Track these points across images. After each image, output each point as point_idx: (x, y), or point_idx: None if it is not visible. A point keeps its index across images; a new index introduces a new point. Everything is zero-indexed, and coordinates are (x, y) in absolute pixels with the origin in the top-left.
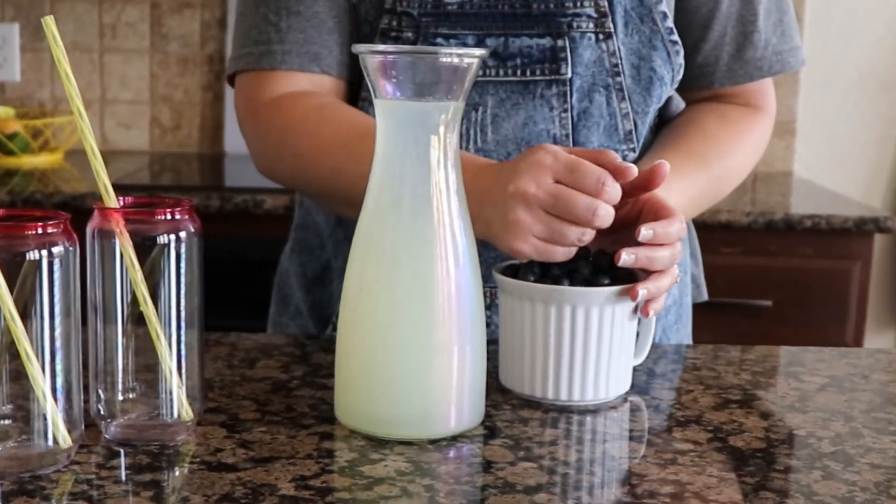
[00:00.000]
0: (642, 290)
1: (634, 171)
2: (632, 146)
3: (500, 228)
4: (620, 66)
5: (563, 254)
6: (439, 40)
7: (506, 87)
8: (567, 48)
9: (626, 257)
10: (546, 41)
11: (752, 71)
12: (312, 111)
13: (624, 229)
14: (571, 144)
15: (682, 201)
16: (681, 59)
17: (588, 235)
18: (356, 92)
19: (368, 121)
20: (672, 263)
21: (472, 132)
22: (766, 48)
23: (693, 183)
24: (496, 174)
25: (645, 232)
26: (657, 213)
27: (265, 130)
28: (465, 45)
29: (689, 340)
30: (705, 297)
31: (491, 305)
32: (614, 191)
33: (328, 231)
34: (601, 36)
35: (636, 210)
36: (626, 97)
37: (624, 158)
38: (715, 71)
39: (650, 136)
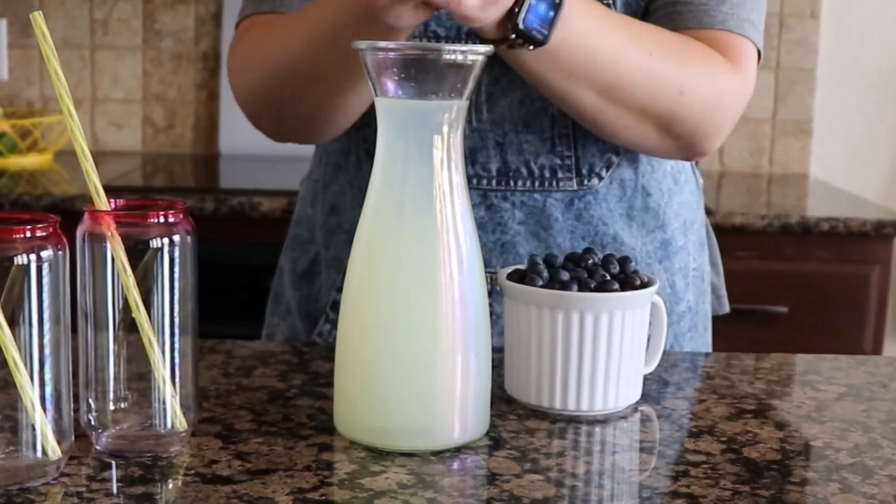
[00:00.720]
0: None
1: None
2: None
3: None
4: None
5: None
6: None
7: (500, 62)
8: None
9: None
10: None
11: (725, 18)
12: (280, 18)
13: None
14: (570, 122)
15: (591, 27)
16: None
17: None
18: None
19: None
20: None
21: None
22: (740, 7)
23: (619, 23)
24: None
25: None
26: None
27: (236, 49)
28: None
29: (707, 350)
30: (727, 309)
31: (492, 292)
32: None
33: (321, 220)
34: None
35: None
36: None
37: None
38: (684, 13)
39: None
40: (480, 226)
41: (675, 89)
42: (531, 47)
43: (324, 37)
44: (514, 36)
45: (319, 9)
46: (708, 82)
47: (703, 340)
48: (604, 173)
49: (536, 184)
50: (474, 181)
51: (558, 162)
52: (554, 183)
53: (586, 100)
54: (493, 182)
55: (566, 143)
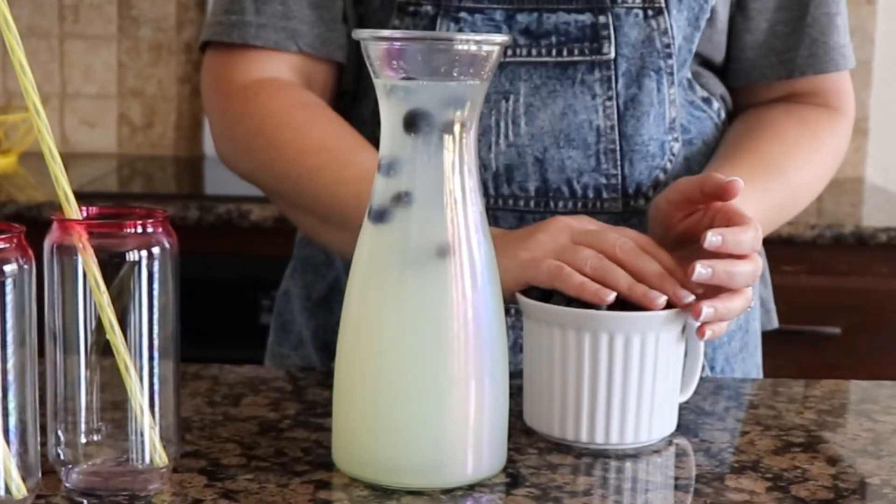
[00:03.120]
0: (707, 308)
1: (740, 185)
2: (675, 136)
3: (516, 247)
4: (673, 46)
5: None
6: (463, 14)
7: (540, 70)
8: (610, 25)
9: (702, 270)
10: (586, 17)
11: (838, 58)
12: (298, 106)
13: (692, 243)
14: (617, 136)
15: (756, 215)
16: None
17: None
18: (341, 80)
19: (362, 138)
20: (752, 282)
21: (502, 124)
22: (846, 35)
23: (769, 195)
24: (505, 241)
25: (712, 238)
26: (730, 221)
27: (237, 116)
28: (492, 20)
29: (757, 372)
30: (775, 324)
31: (514, 325)
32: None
33: None
34: (650, 12)
35: (707, 220)
36: (676, 82)
37: (670, 150)
38: (795, 57)
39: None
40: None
41: (818, 189)
42: None
43: (349, 217)
44: None
45: (361, 181)
46: (835, 157)
47: (754, 361)
48: (651, 193)
49: (579, 205)
50: (510, 202)
51: (603, 181)
52: (598, 204)
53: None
54: (532, 203)
55: (612, 160)
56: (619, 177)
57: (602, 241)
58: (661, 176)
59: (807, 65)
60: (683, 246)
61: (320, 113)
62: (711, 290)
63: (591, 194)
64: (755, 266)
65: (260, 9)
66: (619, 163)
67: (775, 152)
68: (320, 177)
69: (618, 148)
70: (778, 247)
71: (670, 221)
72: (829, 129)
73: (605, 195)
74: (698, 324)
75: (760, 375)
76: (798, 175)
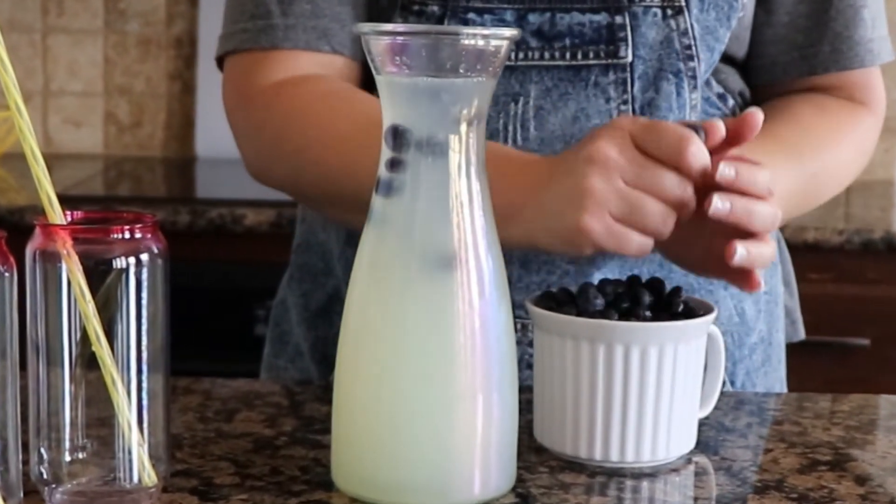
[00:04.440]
0: (741, 248)
1: (722, 129)
2: None
3: (565, 203)
4: (694, 48)
5: (637, 245)
6: (471, 16)
7: (552, 73)
8: (627, 26)
9: (720, 203)
10: (601, 17)
11: (863, 54)
12: (320, 97)
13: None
14: None
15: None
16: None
17: (671, 221)
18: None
19: None
20: (773, 227)
21: (510, 128)
22: (875, 28)
23: (784, 176)
24: (554, 163)
25: (725, 169)
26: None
27: (261, 122)
28: (501, 21)
29: (780, 388)
30: (802, 335)
31: (522, 339)
32: (701, 152)
33: (338, 250)
34: (669, 11)
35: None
36: (698, 86)
37: None
38: (817, 53)
39: None
40: (524, 264)
41: (839, 181)
42: None
43: None
44: None
45: None
46: (859, 149)
47: (777, 376)
48: None
49: None
50: None
51: None
52: None
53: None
54: None
55: None
56: None
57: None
58: None
59: (830, 60)
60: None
61: (343, 100)
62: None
63: None
64: (774, 210)
65: (286, 10)
66: None
67: (791, 134)
68: (356, 174)
69: None
70: (803, 253)
71: None
72: (852, 119)
73: None
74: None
75: (784, 391)
76: (817, 159)
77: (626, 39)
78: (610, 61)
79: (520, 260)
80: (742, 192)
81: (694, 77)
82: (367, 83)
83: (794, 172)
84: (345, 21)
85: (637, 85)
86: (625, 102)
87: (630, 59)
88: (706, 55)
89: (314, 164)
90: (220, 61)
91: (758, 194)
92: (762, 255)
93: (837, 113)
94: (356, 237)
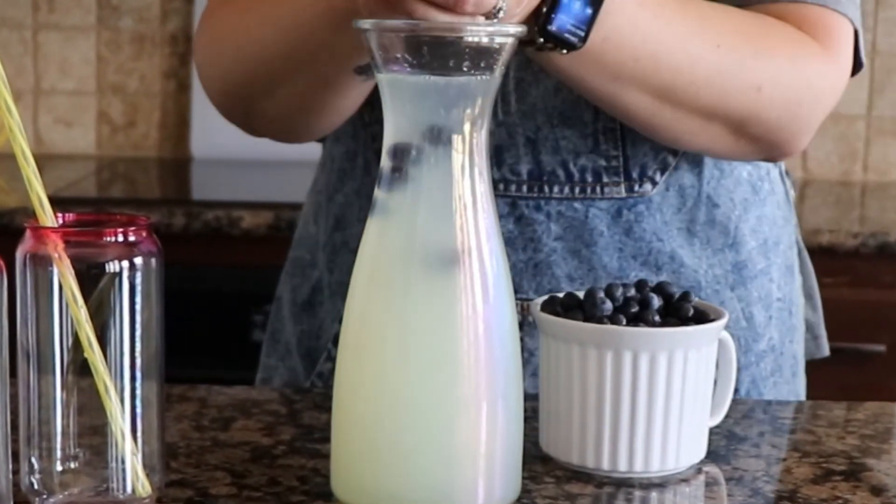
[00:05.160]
0: None
1: None
2: None
3: None
4: None
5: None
6: None
7: None
8: None
9: None
10: None
11: None
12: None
13: None
14: None
15: (641, 19)
16: None
17: None
18: None
19: None
20: None
21: None
22: None
23: (672, 15)
24: None
25: None
26: None
27: (202, 41)
28: None
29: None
30: (825, 352)
31: (523, 324)
32: None
33: (324, 238)
34: None
35: None
36: None
37: None
38: None
39: None
40: (509, 242)
41: (751, 86)
42: (564, 51)
43: (297, 28)
44: (542, 40)
45: None
46: (794, 73)
47: (790, 388)
48: (658, 177)
49: (576, 190)
50: (501, 187)
51: (603, 163)
52: (598, 189)
53: (639, 104)
54: (524, 188)
55: (612, 140)
56: (621, 158)
57: None
58: (670, 159)
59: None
60: None
61: None
62: None
63: (589, 178)
64: None
65: None
66: (619, 143)
67: (719, 13)
68: (263, 21)
69: (618, 126)
70: (816, 256)
71: None
72: (795, 37)
73: (605, 178)
74: None
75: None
76: (718, 49)
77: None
78: None
79: (505, 239)
80: None
81: None
82: None
83: (684, 20)
84: None
85: None
86: None
87: None
88: None
89: (250, 53)
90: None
91: None
92: None
93: (776, 24)
94: (344, 222)
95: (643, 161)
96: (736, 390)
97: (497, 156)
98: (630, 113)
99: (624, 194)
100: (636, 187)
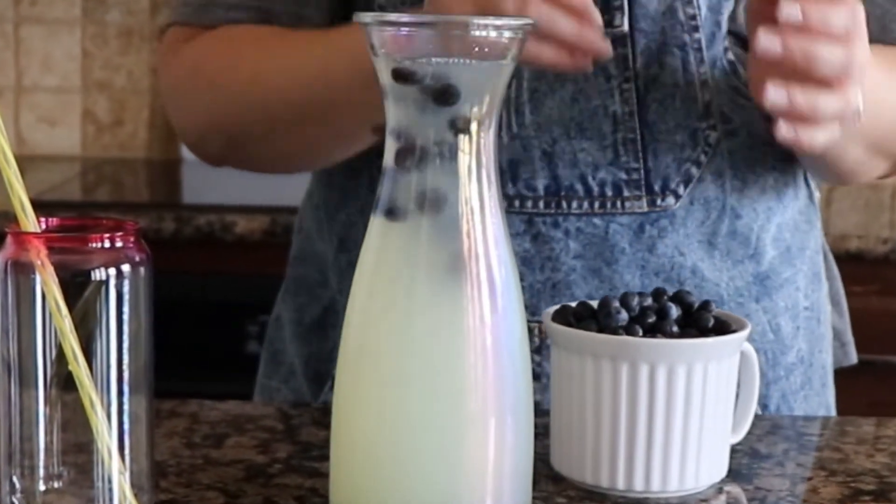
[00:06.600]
0: (776, 89)
1: None
2: (711, 122)
3: None
4: (699, 17)
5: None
6: None
7: None
8: None
9: (765, 40)
10: None
11: None
12: (238, 32)
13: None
14: (637, 124)
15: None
16: None
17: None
18: None
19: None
20: (843, 70)
21: (504, 113)
22: None
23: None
24: None
25: (788, 9)
26: None
27: (175, 70)
28: None
29: (827, 414)
30: (853, 359)
31: (541, 348)
32: None
33: (331, 258)
34: None
35: None
36: (705, 59)
37: (705, 139)
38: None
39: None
40: (525, 261)
41: None
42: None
43: (321, 81)
44: None
45: (312, 44)
46: None
47: (820, 400)
48: (681, 190)
49: (596, 205)
50: (516, 203)
51: (623, 176)
52: (618, 203)
53: (851, 156)
54: (541, 204)
55: (632, 152)
56: (642, 171)
57: None
58: (694, 170)
59: (876, 39)
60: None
61: (248, 26)
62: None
63: (609, 192)
64: (851, 52)
65: None
66: (640, 154)
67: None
68: (273, 67)
69: (639, 137)
70: (845, 263)
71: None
72: None
73: (625, 192)
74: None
75: (832, 416)
76: None
77: (621, 8)
78: (605, 31)
79: (521, 258)
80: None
81: (700, 50)
82: None
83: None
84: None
85: (639, 60)
86: (627, 80)
87: (626, 28)
88: (712, 26)
89: (227, 87)
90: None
91: (828, 32)
92: (820, 106)
93: None
94: (348, 243)
95: (665, 173)
96: (765, 406)
97: (512, 170)
98: (836, 163)
99: (646, 208)
100: (658, 201)
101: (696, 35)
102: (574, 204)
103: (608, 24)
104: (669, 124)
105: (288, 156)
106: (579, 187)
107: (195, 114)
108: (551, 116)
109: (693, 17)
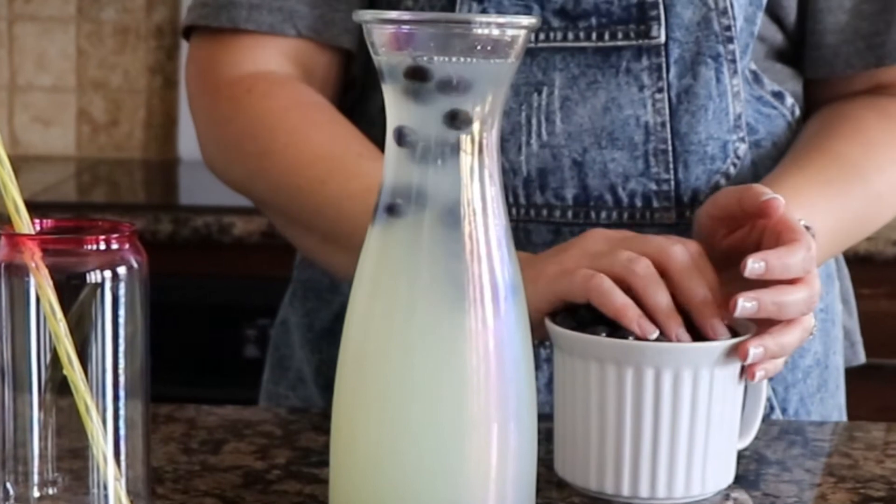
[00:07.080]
0: (755, 348)
1: (780, 204)
2: (740, 135)
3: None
4: (734, 28)
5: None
6: None
7: (578, 57)
8: (660, 4)
9: (745, 304)
10: None
11: None
12: (296, 106)
13: (739, 261)
14: (669, 135)
15: (829, 226)
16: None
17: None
18: (347, 70)
19: (370, 144)
20: (808, 310)
21: (534, 121)
22: None
23: (844, 201)
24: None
25: (753, 265)
26: (780, 237)
27: (227, 118)
28: (520, 0)
29: (840, 415)
30: (862, 358)
31: (548, 360)
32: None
33: None
34: None
35: (755, 236)
36: (738, 71)
37: (735, 152)
38: (886, 42)
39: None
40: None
41: None
42: None
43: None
44: None
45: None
46: None
47: (834, 402)
48: None
49: (625, 216)
50: (544, 212)
51: (653, 187)
52: (647, 215)
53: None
54: (569, 214)
55: (663, 163)
56: (672, 182)
57: (653, 248)
58: (723, 181)
59: (865, 60)
60: (731, 264)
61: (322, 114)
62: (763, 321)
63: (638, 203)
64: (810, 291)
65: None
66: (671, 166)
67: (854, 152)
68: (323, 189)
69: (670, 148)
70: (854, 266)
71: (714, 238)
72: None
73: (655, 204)
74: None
75: (844, 418)
76: (881, 179)
77: (658, 18)
78: (641, 42)
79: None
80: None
81: (734, 61)
82: (343, 77)
83: (857, 196)
84: (315, 2)
85: (673, 70)
86: (660, 90)
87: (663, 39)
88: (746, 38)
89: (276, 175)
90: (187, 34)
91: (792, 277)
92: (783, 346)
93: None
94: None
95: (695, 185)
96: (784, 410)
97: (541, 179)
98: None
99: (674, 219)
100: (687, 213)
101: (731, 46)
102: (603, 214)
103: (644, 34)
104: (701, 136)
105: (299, 242)
106: (609, 197)
107: (230, 164)
108: (582, 125)
109: (728, 28)
